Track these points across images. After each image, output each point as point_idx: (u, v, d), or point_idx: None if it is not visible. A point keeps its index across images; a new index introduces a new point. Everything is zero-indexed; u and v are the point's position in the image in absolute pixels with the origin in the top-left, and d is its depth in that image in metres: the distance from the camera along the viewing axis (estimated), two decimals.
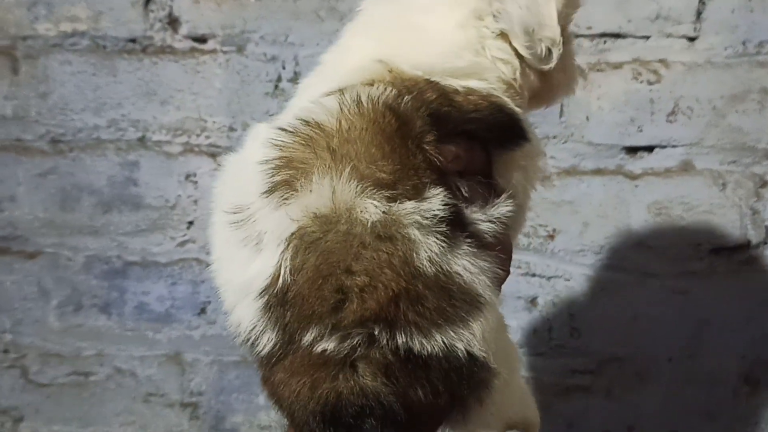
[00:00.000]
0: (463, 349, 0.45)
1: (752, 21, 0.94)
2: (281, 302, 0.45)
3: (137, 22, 1.00)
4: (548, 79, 0.57)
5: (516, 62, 0.53)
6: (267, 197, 0.46)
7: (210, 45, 1.00)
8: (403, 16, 0.53)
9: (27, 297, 1.06)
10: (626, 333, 0.99)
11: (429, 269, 0.44)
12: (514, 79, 0.53)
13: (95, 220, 1.04)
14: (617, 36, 0.96)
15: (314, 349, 0.44)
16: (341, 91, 0.49)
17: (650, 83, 0.96)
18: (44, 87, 1.02)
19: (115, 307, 1.05)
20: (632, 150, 0.97)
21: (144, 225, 1.03)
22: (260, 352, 0.46)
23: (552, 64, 0.54)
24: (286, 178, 0.46)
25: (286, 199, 0.45)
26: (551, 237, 0.99)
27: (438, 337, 0.45)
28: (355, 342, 0.44)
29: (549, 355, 1.01)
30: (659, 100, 0.96)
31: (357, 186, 0.44)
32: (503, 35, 0.53)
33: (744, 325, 0.99)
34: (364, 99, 0.48)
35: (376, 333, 0.44)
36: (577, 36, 0.96)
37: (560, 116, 0.97)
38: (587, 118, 0.97)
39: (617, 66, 0.97)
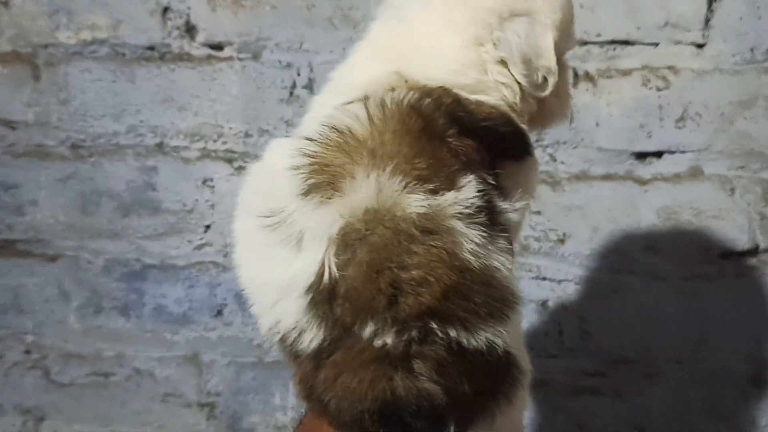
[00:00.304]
0: (501, 345, 0.47)
1: (760, 28, 0.95)
2: (328, 298, 0.45)
3: (155, 30, 1.02)
4: (543, 106, 0.59)
5: (516, 87, 0.56)
6: (303, 199, 0.47)
7: (226, 52, 1.02)
8: (410, 37, 0.56)
9: (48, 299, 1.08)
10: (635, 335, 1.01)
11: (474, 263, 0.46)
12: (515, 103, 0.56)
13: (114, 224, 1.06)
14: (626, 43, 0.97)
15: (374, 342, 0.45)
16: (365, 97, 0.51)
17: (659, 89, 0.98)
18: (65, 94, 1.04)
19: (134, 309, 1.07)
20: (641, 155, 0.99)
21: (162, 229, 1.06)
22: (304, 349, 0.47)
23: (547, 92, 0.57)
24: (323, 180, 0.47)
25: (328, 198, 0.46)
26: (561, 241, 1.01)
27: (482, 334, 0.46)
28: (411, 336, 0.45)
29: (559, 357, 1.02)
30: (668, 106, 0.98)
31: (401, 182, 0.46)
32: (503, 62, 0.55)
33: (751, 327, 1.01)
34: (388, 102, 0.50)
35: (431, 327, 0.45)
36: (587, 43, 0.97)
37: (570, 122, 0.98)
38: (597, 124, 0.99)
39: (627, 72, 0.98)
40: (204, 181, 1.04)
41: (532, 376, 0.54)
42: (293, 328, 0.47)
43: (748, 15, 0.95)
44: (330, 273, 0.45)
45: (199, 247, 1.06)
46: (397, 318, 0.45)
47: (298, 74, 1.01)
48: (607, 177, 0.99)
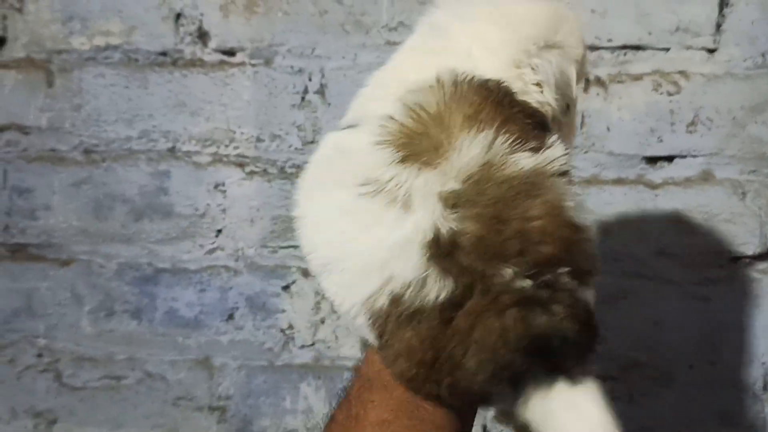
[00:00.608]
0: (591, 304, 0.49)
1: None
2: (450, 252, 0.47)
3: (168, 36, 1.03)
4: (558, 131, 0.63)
5: (548, 109, 0.58)
6: (401, 165, 0.49)
7: (238, 58, 1.03)
8: (452, 52, 0.58)
9: (61, 303, 1.09)
10: (647, 339, 1.01)
11: (576, 219, 0.49)
12: None
13: (127, 229, 1.07)
14: (637, 48, 0.98)
15: (514, 285, 0.46)
16: (438, 78, 0.53)
17: (670, 94, 0.98)
18: (78, 99, 1.05)
19: (146, 313, 1.08)
20: (652, 160, 0.99)
21: (174, 233, 1.06)
22: (428, 303, 0.47)
23: (566, 119, 0.60)
24: (422, 147, 0.49)
25: (432, 160, 0.49)
26: None
27: (586, 291, 0.48)
28: (545, 281, 0.47)
29: None
30: (679, 110, 0.98)
31: (505, 141, 0.48)
32: (539, 84, 0.58)
33: (763, 332, 1.00)
34: (460, 82, 0.53)
35: (559, 274, 0.47)
36: (598, 48, 0.98)
37: (581, 127, 0.99)
38: (608, 129, 0.99)
39: (637, 77, 0.98)
40: (216, 186, 1.05)
41: None
42: (412, 284, 0.47)
43: (760, 20, 0.95)
44: (448, 228, 0.47)
45: (211, 251, 1.06)
46: (532, 263, 0.46)
47: (310, 80, 1.02)
48: (618, 181, 0.99)
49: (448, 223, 0.47)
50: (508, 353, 0.46)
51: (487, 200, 0.47)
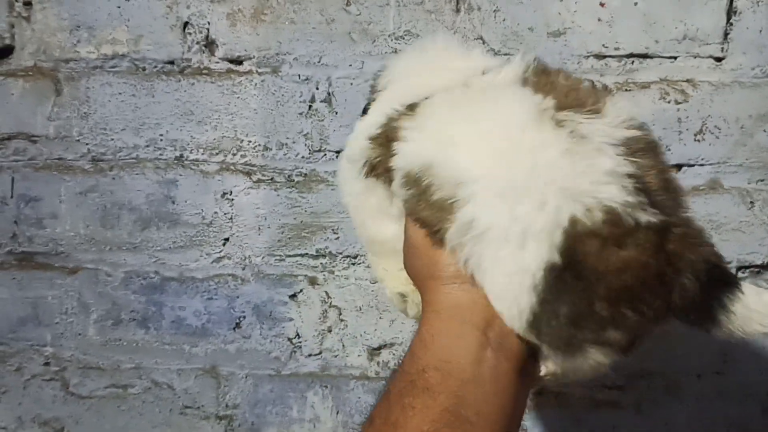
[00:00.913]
0: None
1: None
2: (644, 188, 0.53)
3: (175, 45, 1.03)
4: None
5: None
6: (567, 111, 0.55)
7: (246, 67, 1.03)
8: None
9: (68, 311, 1.09)
10: (655, 349, 1.00)
11: None
12: None
13: (134, 237, 1.07)
14: (645, 56, 0.98)
15: (693, 225, 0.55)
16: (530, 54, 0.62)
17: (678, 103, 0.98)
18: (86, 108, 1.05)
19: (153, 322, 1.08)
20: None
21: (181, 242, 1.06)
22: (645, 222, 0.51)
23: None
24: (576, 100, 0.57)
25: (597, 110, 0.56)
26: None
27: None
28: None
29: None
30: (687, 119, 0.98)
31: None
32: None
33: None
34: (535, 61, 0.62)
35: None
36: (605, 56, 0.98)
37: None
38: None
39: (645, 86, 0.98)
40: (223, 195, 1.05)
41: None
42: (630, 205, 0.51)
43: None
44: (635, 170, 0.53)
45: (218, 259, 1.06)
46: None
47: (317, 88, 1.02)
48: None
49: (633, 166, 0.53)
50: (714, 271, 0.53)
51: (651, 151, 0.55)
